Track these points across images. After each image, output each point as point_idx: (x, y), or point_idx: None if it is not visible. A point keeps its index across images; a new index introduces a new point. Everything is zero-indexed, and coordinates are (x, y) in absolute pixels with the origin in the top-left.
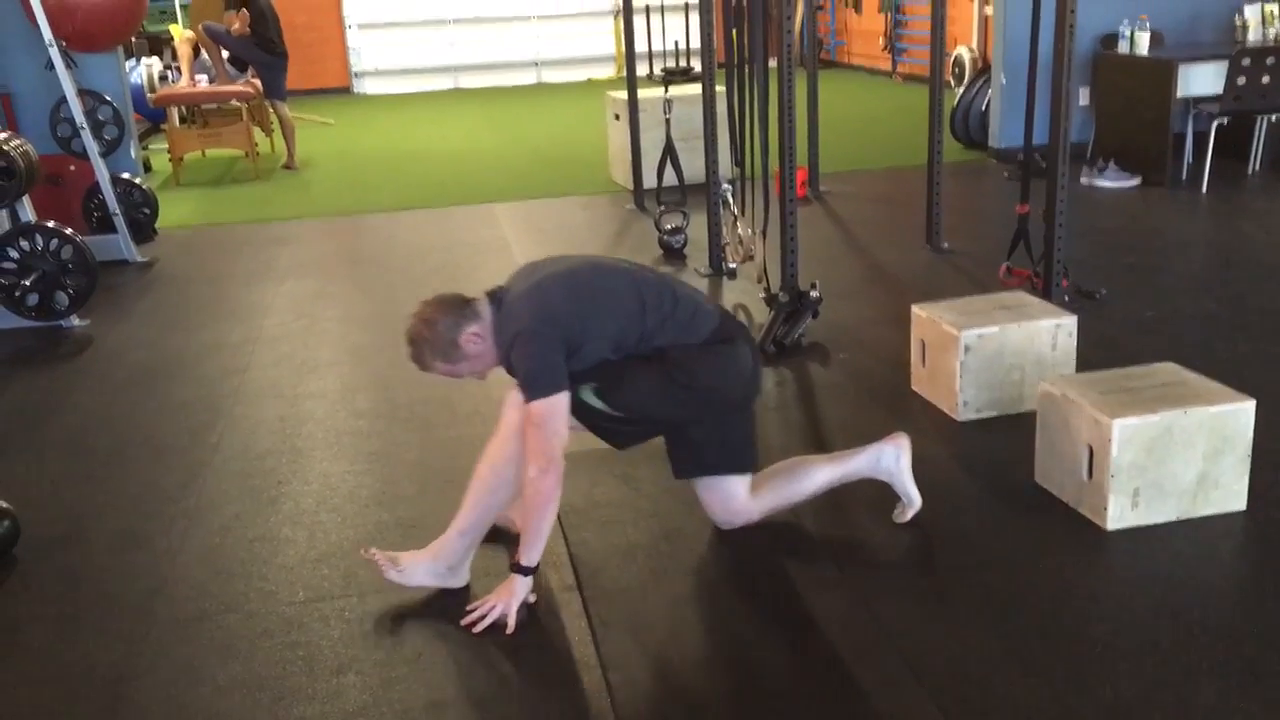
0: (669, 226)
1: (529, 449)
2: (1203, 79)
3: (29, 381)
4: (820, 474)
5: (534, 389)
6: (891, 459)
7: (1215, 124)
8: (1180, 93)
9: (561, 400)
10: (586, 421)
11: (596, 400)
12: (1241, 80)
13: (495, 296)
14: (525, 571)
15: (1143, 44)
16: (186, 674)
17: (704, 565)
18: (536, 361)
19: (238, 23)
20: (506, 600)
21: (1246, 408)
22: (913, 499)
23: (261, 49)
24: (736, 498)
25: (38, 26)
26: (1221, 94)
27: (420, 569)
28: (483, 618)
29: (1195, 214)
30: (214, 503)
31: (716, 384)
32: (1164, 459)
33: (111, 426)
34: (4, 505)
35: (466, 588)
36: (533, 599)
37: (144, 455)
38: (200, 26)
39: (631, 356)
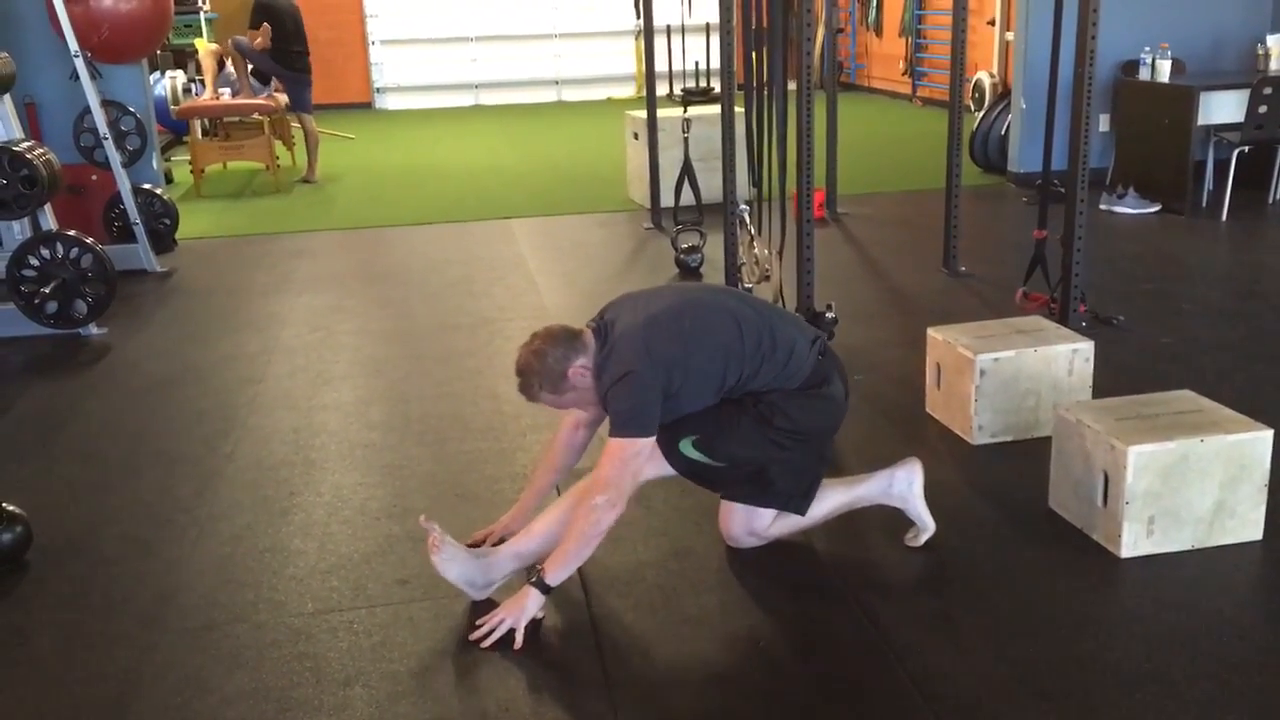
0: (686, 245)
1: (601, 478)
2: (1224, 107)
3: (46, 389)
4: (831, 498)
5: (626, 427)
6: (904, 485)
7: (1236, 152)
8: (1201, 120)
9: (647, 444)
10: (687, 472)
11: (698, 453)
12: (1263, 109)
13: (600, 330)
14: (545, 589)
15: (1164, 71)
16: (194, 683)
17: (713, 585)
18: (634, 402)
19: (259, 38)
20: (516, 615)
21: (1264, 437)
22: (926, 524)
23: (282, 64)
24: (762, 522)
25: (64, 37)
26: (1243, 122)
27: (459, 567)
28: (490, 633)
29: (1215, 242)
30: (226, 512)
31: (815, 426)
32: (1180, 487)
33: (126, 435)
34: (17, 511)
35: (486, 601)
36: (541, 615)
37: (158, 464)
38: (230, 41)
39: (727, 401)
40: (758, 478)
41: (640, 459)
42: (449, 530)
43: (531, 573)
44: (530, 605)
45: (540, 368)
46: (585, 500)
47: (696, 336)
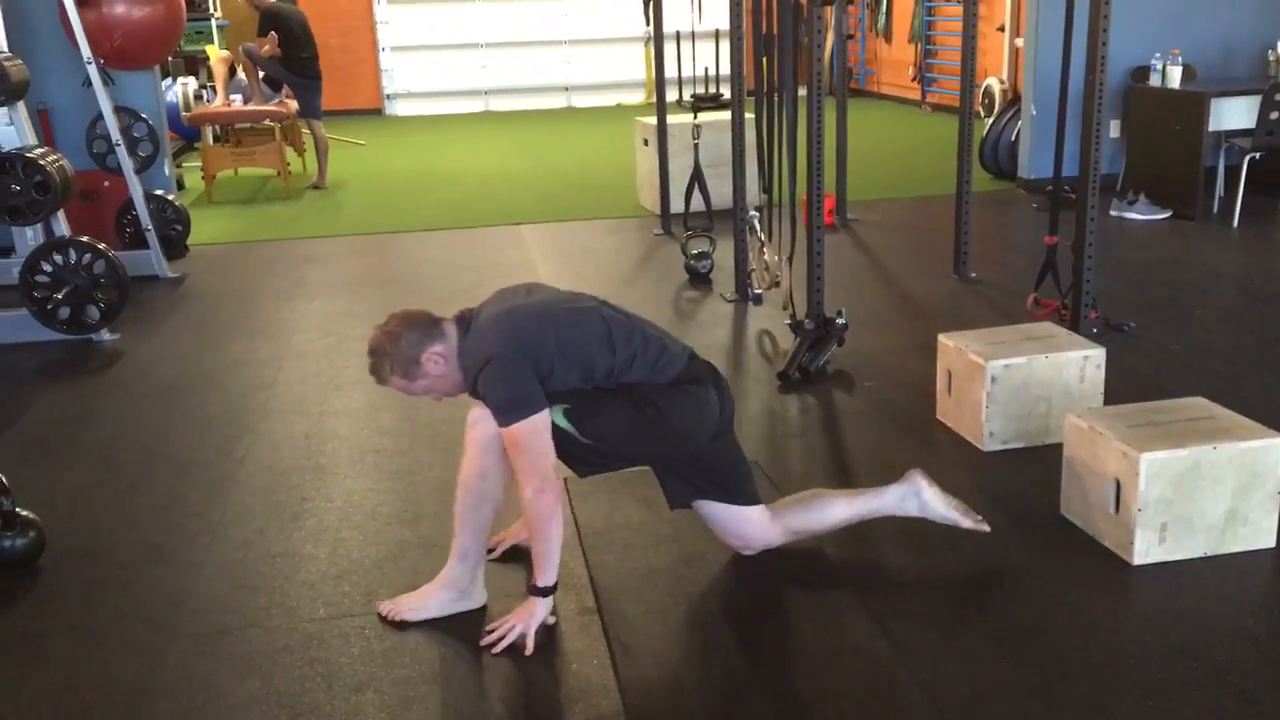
0: (695, 252)
1: (519, 472)
2: (1235, 113)
3: (58, 394)
4: (839, 508)
5: (511, 412)
6: (913, 503)
7: (1247, 158)
8: (1212, 126)
9: (542, 419)
10: (557, 445)
11: (566, 423)
12: (1274, 115)
13: (463, 320)
14: (542, 593)
15: (1174, 77)
16: (206, 689)
17: (724, 591)
18: (510, 386)
19: (267, 46)
20: (525, 621)
21: (1276, 444)
22: (958, 521)
23: (292, 71)
24: (748, 522)
25: (77, 44)
26: (1254, 128)
27: (433, 601)
28: (501, 638)
29: (1226, 248)
30: (238, 518)
31: (683, 424)
32: (1192, 494)
33: (138, 440)
34: (30, 516)
35: (484, 607)
36: (552, 620)
37: (169, 469)
38: (241, 48)
39: (601, 389)
40: (667, 476)
41: (542, 434)
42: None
43: (527, 580)
44: (538, 610)
45: (393, 350)
46: (521, 498)
47: (559, 322)
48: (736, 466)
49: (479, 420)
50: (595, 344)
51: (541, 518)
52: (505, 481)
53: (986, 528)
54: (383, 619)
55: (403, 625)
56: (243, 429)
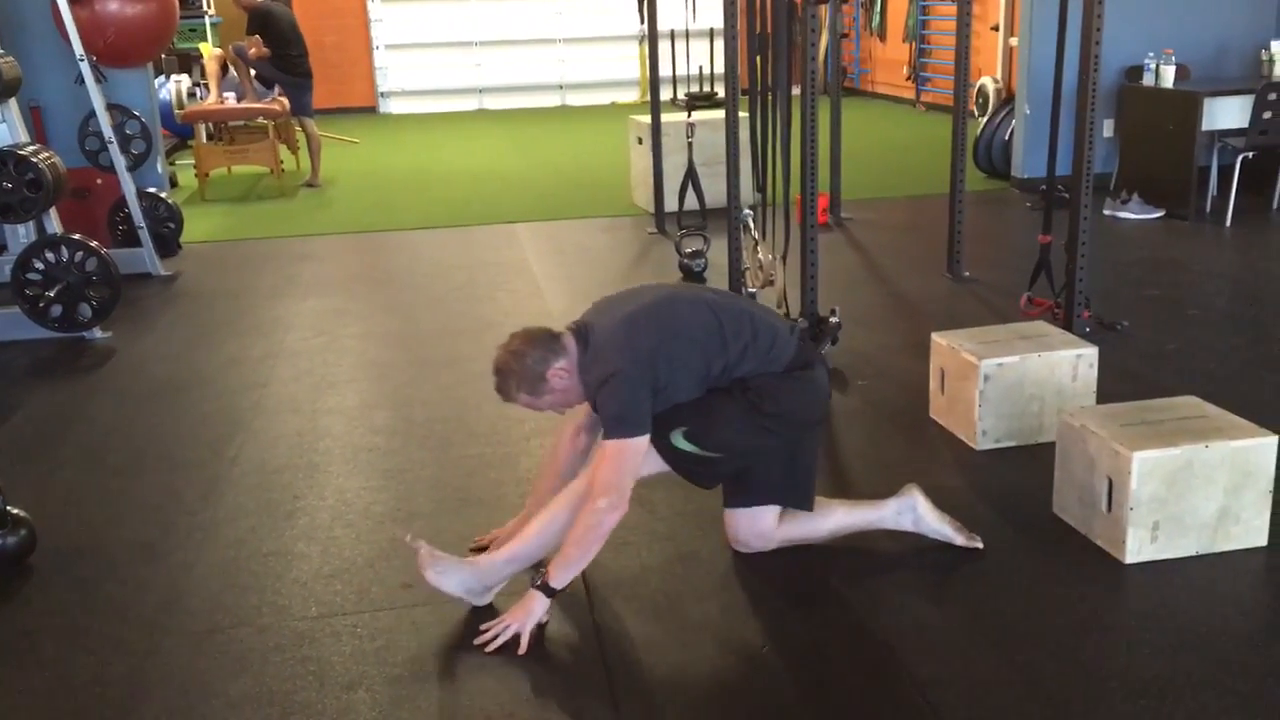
0: (689, 250)
1: (601, 481)
2: (1228, 113)
3: (50, 392)
4: (835, 518)
5: (618, 427)
6: (908, 518)
7: (1240, 158)
8: (1205, 126)
9: (643, 442)
10: (678, 466)
11: (689, 445)
12: (1268, 114)
13: (579, 333)
14: (549, 592)
15: (1168, 77)
16: (197, 687)
17: (718, 590)
18: (624, 404)
19: (254, 48)
20: (521, 620)
21: (1269, 443)
22: (951, 536)
23: (281, 70)
24: (766, 523)
25: (69, 41)
26: (1247, 128)
27: (456, 578)
28: (495, 637)
29: (1219, 248)
30: (230, 516)
31: (800, 411)
32: (1184, 493)
33: (131, 438)
34: (21, 514)
35: (489, 607)
36: (545, 620)
37: (162, 467)
38: (230, 47)
39: (715, 391)
40: (754, 473)
41: (637, 458)
42: (453, 533)
43: (536, 576)
44: (536, 609)
45: (519, 368)
46: (587, 504)
47: (676, 328)
48: (813, 469)
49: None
50: (710, 343)
51: (597, 531)
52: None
53: (979, 544)
54: (412, 548)
55: (393, 622)
56: (235, 427)
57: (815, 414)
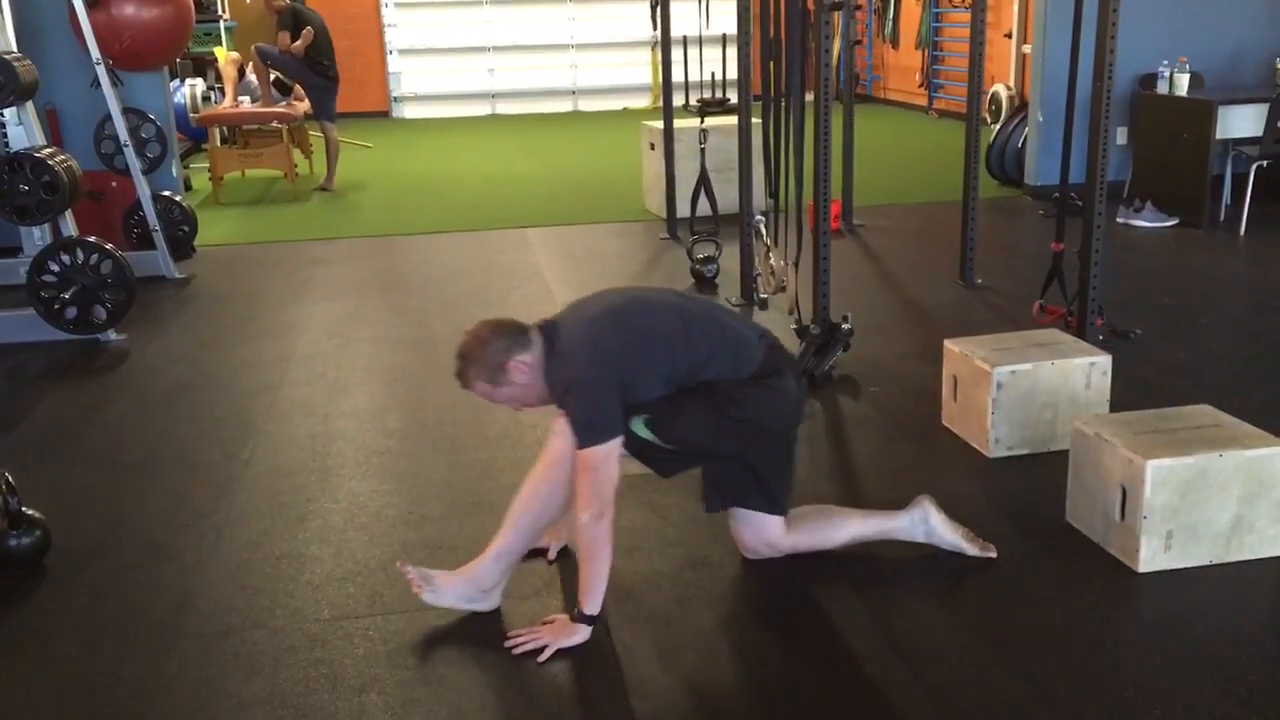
0: (701, 256)
1: (581, 494)
2: (1242, 121)
3: (65, 394)
4: (849, 528)
5: (590, 435)
6: (920, 529)
7: (1255, 167)
8: (1219, 134)
9: (616, 445)
10: (634, 451)
11: (648, 432)
12: None
13: (547, 331)
14: (589, 620)
15: (1182, 85)
16: (210, 689)
17: (729, 595)
18: (593, 408)
19: (298, 42)
20: (558, 639)
21: None
22: (964, 548)
23: (313, 70)
24: (772, 531)
25: (86, 45)
26: (1261, 136)
27: (453, 590)
28: (525, 644)
29: (1233, 256)
30: (243, 518)
31: (765, 418)
32: (1198, 502)
33: (144, 440)
34: (36, 516)
35: (496, 610)
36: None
37: (176, 470)
38: (253, 48)
39: (682, 390)
40: (722, 474)
41: (612, 461)
42: (464, 537)
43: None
44: (576, 635)
45: (481, 355)
46: (577, 521)
47: (641, 328)
48: (787, 470)
49: (563, 431)
50: (676, 344)
51: (597, 542)
52: (567, 499)
53: (993, 554)
54: (404, 575)
55: (405, 625)
56: (249, 430)
57: (781, 423)
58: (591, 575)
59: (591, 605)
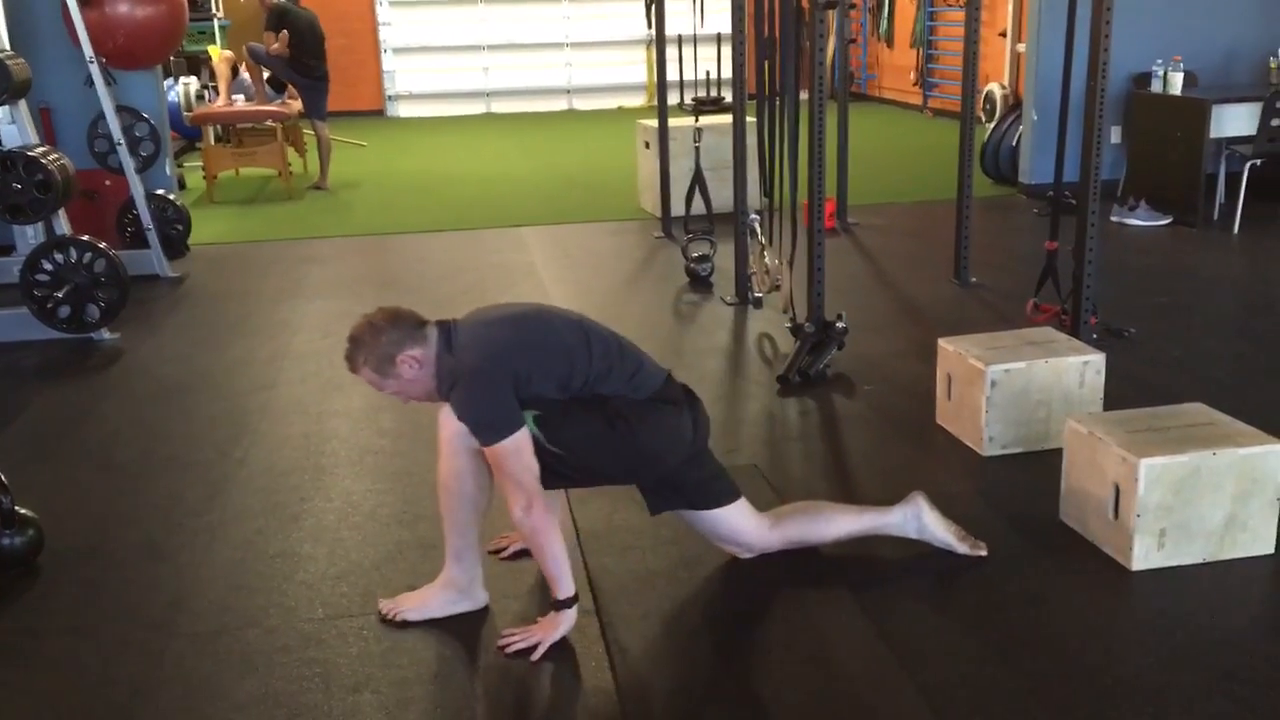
0: (696, 254)
1: (505, 491)
2: (1236, 120)
3: (58, 393)
4: (841, 523)
5: (492, 432)
6: (913, 525)
7: (1248, 165)
8: (1213, 133)
9: (522, 436)
10: None
11: (535, 429)
12: (1275, 122)
13: (445, 330)
14: (565, 605)
15: (1176, 84)
16: (204, 689)
17: (723, 594)
18: (489, 405)
19: (277, 44)
20: (549, 633)
21: (1277, 450)
22: (955, 546)
23: (298, 71)
24: (741, 528)
25: (79, 43)
26: (1255, 135)
27: (434, 602)
28: (517, 643)
29: (1227, 255)
30: (237, 517)
31: (654, 444)
32: (1191, 500)
33: (138, 439)
34: (29, 514)
35: (486, 607)
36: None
37: (169, 469)
38: (245, 47)
39: (576, 399)
40: (651, 484)
41: (523, 453)
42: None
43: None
44: (563, 622)
45: (372, 343)
46: (513, 519)
47: (538, 332)
48: (708, 485)
49: (449, 420)
50: (573, 352)
51: (537, 533)
52: (485, 480)
53: (984, 552)
54: (383, 618)
55: (403, 625)
56: (242, 429)
57: (671, 456)
58: (547, 563)
59: (562, 590)
